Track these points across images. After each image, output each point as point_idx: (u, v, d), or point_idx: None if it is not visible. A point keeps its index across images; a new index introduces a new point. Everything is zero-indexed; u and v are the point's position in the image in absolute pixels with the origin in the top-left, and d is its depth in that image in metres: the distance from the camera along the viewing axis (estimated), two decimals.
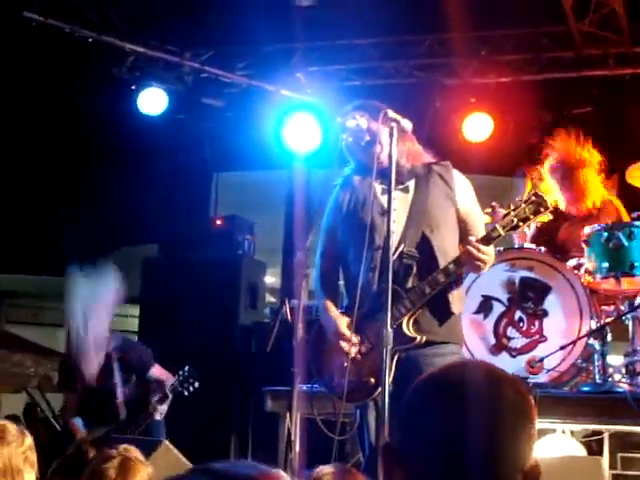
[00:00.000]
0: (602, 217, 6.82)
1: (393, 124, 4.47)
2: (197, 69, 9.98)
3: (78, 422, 7.17)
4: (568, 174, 6.90)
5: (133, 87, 9.90)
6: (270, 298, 12.00)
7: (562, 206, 6.96)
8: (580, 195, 6.87)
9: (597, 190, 6.89)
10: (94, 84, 9.90)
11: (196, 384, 7.26)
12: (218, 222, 9.95)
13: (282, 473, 1.83)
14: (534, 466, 1.82)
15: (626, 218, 6.62)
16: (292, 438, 4.55)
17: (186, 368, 7.28)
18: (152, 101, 9.88)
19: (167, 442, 5.48)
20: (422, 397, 1.88)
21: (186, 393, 7.24)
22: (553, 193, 7.01)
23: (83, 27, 9.10)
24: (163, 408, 7.13)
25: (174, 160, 10.55)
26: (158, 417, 7.10)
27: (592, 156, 6.94)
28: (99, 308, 7.13)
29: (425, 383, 1.92)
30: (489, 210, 6.67)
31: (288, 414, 4.91)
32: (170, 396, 7.17)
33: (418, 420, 1.85)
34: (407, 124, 4.58)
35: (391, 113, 4.51)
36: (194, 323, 8.93)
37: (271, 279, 12.02)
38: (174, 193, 10.87)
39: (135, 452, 4.00)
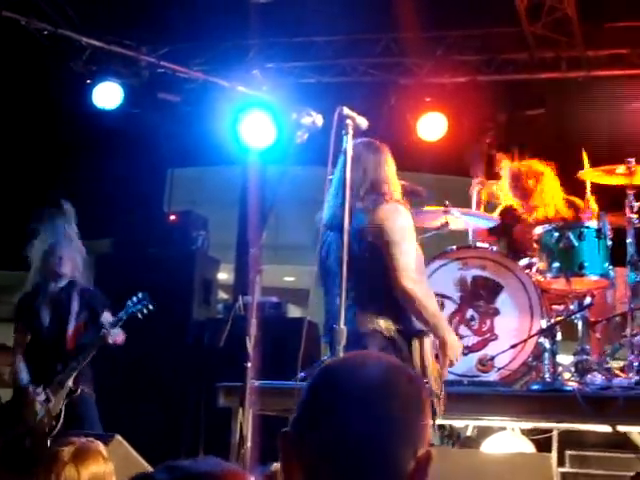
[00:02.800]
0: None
1: (348, 121, 4.50)
2: (153, 64, 9.93)
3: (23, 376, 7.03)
4: (522, 189, 7.09)
5: (89, 81, 9.85)
6: (223, 294, 12.00)
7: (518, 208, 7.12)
8: (535, 206, 7.07)
9: (554, 198, 7.06)
10: (48, 77, 9.84)
11: (150, 307, 7.14)
12: (172, 217, 9.92)
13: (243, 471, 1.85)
14: (426, 453, 1.85)
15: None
16: (244, 433, 4.56)
17: (140, 293, 7.20)
18: (107, 95, 9.83)
19: (119, 437, 5.47)
20: (316, 389, 1.90)
21: (140, 315, 7.12)
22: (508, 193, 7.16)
23: (39, 20, 9.04)
24: (115, 331, 6.99)
25: (128, 155, 10.50)
26: (110, 341, 6.94)
27: (543, 166, 7.11)
28: (68, 243, 7.21)
29: (320, 375, 1.95)
30: (442, 208, 6.73)
31: (240, 409, 4.92)
32: (123, 318, 7.05)
33: (312, 412, 1.88)
34: (362, 122, 4.61)
35: (346, 110, 4.53)
36: (147, 318, 8.89)
37: (225, 275, 12.02)
38: (128, 188, 10.81)
39: (99, 446, 3.99)
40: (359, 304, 4.62)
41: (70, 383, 6.82)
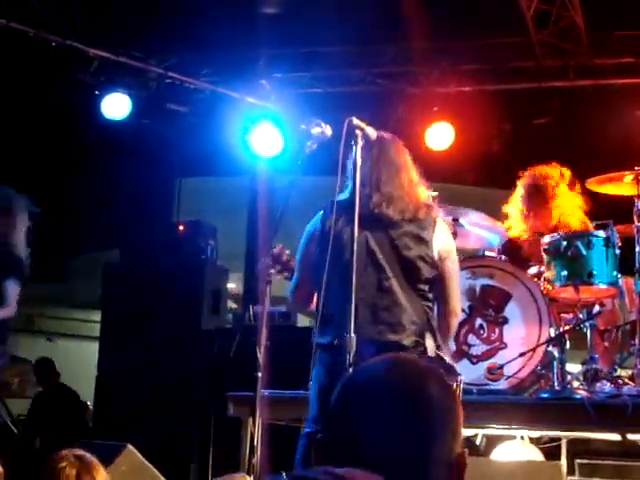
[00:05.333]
0: None
1: (358, 132, 4.52)
2: (162, 75, 9.98)
3: None
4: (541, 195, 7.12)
5: (97, 92, 9.89)
6: (232, 304, 12.02)
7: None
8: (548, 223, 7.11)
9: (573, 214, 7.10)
10: (57, 89, 9.88)
11: None
12: (181, 227, 9.94)
13: None
14: (460, 456, 1.87)
15: None
16: (254, 444, 4.57)
17: None
18: (116, 106, 9.87)
19: (131, 446, 5.49)
20: (351, 394, 1.91)
21: None
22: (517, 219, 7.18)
23: (47, 32, 9.09)
24: None
25: (137, 165, 10.54)
26: None
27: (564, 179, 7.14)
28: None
29: (354, 380, 1.96)
30: (450, 219, 6.75)
31: (251, 419, 4.93)
32: None
33: (348, 417, 1.87)
34: (371, 132, 4.63)
35: (355, 121, 4.55)
36: (156, 329, 8.92)
37: (233, 285, 12.04)
38: (137, 198, 10.86)
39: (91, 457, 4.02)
40: None
41: None
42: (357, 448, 1.82)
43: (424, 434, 1.83)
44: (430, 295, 4.79)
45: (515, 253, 7.18)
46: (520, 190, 7.29)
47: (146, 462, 5.47)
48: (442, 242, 4.84)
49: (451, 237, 5.02)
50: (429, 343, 4.69)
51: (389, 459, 1.79)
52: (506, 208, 7.29)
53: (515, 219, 7.25)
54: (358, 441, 1.83)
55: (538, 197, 7.21)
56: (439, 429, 1.85)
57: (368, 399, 1.86)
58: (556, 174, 7.22)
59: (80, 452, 3.98)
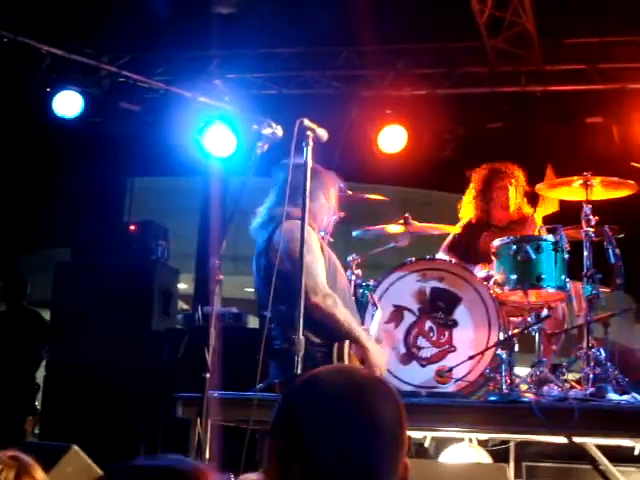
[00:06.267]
0: (519, 230, 7.03)
1: (309, 133, 4.53)
2: (115, 73, 9.92)
3: None
4: (496, 181, 7.19)
5: (49, 89, 9.80)
6: (183, 305, 11.97)
7: (483, 216, 7.19)
8: (506, 203, 7.17)
9: (520, 201, 7.19)
10: (8, 85, 9.78)
11: None
12: (132, 227, 9.88)
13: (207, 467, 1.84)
14: (406, 465, 1.90)
15: None
16: (202, 445, 4.55)
17: None
18: (67, 104, 9.79)
19: (76, 447, 5.44)
20: (294, 403, 1.92)
21: None
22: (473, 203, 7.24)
23: None
24: None
25: (89, 164, 10.47)
26: None
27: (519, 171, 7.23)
28: None
29: (298, 389, 1.97)
30: (401, 221, 6.79)
31: (198, 420, 4.91)
32: None
33: (291, 425, 1.88)
34: (323, 133, 4.64)
35: (306, 122, 4.56)
36: (106, 328, 8.85)
37: (184, 285, 11.99)
38: (88, 197, 10.78)
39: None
40: None
41: None
42: (306, 456, 1.84)
43: (375, 446, 1.85)
44: None
45: (466, 247, 7.25)
46: (478, 176, 7.39)
47: (92, 463, 5.43)
48: None
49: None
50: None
51: (340, 471, 1.81)
52: (463, 200, 7.38)
53: (469, 207, 7.33)
54: (308, 449, 1.84)
55: (497, 181, 7.30)
56: (390, 441, 1.87)
57: (318, 410, 1.87)
58: (518, 172, 7.32)
59: (14, 453, 3.91)
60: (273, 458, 1.88)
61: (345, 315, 4.98)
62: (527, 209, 7.33)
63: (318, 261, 4.79)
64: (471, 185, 7.50)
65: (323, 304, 4.89)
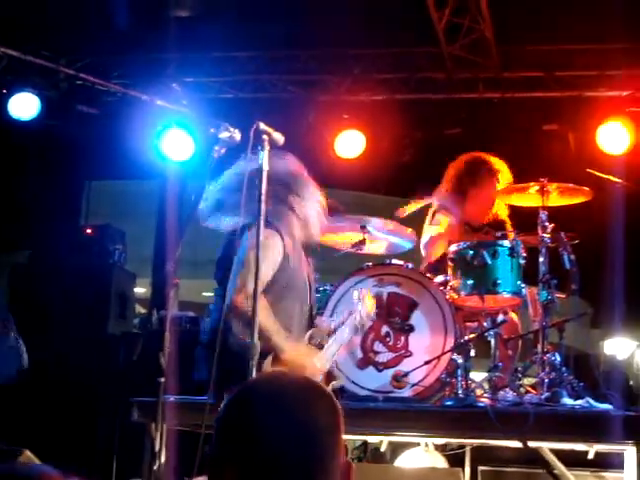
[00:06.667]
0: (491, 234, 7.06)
1: (265, 137, 4.53)
2: (72, 76, 9.86)
3: None
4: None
5: (5, 91, 9.72)
6: (141, 309, 11.91)
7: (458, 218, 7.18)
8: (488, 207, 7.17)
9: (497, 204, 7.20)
10: None
11: None
12: (89, 231, 9.83)
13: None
14: (346, 464, 1.96)
15: None
16: (156, 449, 4.53)
17: None
18: (24, 106, 9.71)
19: (28, 452, 5.40)
20: (241, 407, 1.96)
21: None
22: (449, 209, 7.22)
23: None
24: None
25: (46, 167, 10.39)
26: None
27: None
28: None
29: (238, 393, 2.01)
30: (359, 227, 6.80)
31: (153, 425, 4.89)
32: None
33: (231, 429, 1.93)
34: (279, 137, 4.64)
35: (262, 126, 4.56)
36: (62, 332, 8.80)
37: (141, 289, 11.93)
38: (45, 200, 10.70)
39: None
40: None
41: None
42: (242, 456, 1.88)
43: (308, 448, 1.89)
44: None
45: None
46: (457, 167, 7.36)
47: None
48: None
49: None
50: None
51: (273, 473, 1.85)
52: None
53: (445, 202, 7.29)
54: (242, 453, 1.88)
55: (479, 176, 7.28)
56: (325, 441, 1.91)
57: (254, 414, 1.92)
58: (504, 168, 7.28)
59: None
60: (213, 461, 1.93)
61: (265, 322, 4.83)
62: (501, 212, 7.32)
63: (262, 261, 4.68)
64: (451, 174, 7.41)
65: (242, 304, 4.80)
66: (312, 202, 5.35)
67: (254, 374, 4.20)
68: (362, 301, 5.67)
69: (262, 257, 4.55)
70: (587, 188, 6.41)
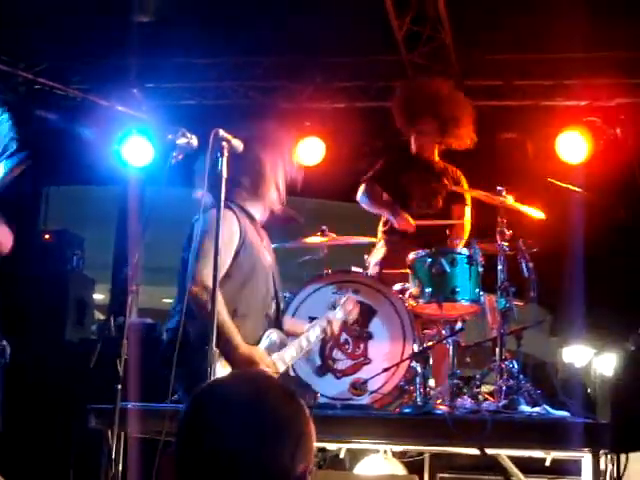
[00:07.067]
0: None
1: (224, 144, 4.53)
2: (31, 80, 9.79)
3: None
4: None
5: None
6: (100, 315, 11.85)
7: None
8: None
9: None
10: None
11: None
12: (47, 236, 9.77)
13: None
14: (303, 473, 1.92)
15: None
16: (113, 456, 4.51)
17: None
18: None
19: None
20: (193, 407, 1.98)
21: None
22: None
23: None
24: None
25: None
26: None
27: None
28: None
29: (198, 395, 2.01)
30: (319, 233, 6.81)
31: (110, 432, 4.86)
32: None
33: (189, 430, 1.94)
34: (238, 144, 4.63)
35: (221, 132, 4.55)
36: (18, 338, 8.71)
37: (100, 295, 11.87)
38: (3, 205, 10.60)
39: None
40: None
41: None
42: (198, 457, 1.88)
43: (262, 446, 1.88)
44: None
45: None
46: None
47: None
48: None
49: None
50: None
51: (227, 467, 1.85)
52: None
53: None
54: (200, 449, 1.88)
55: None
56: (278, 442, 1.89)
57: (216, 411, 1.92)
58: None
59: None
60: (177, 462, 1.93)
61: (221, 315, 4.77)
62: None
63: (221, 249, 4.52)
64: None
65: (199, 295, 4.78)
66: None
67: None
68: (342, 307, 5.70)
69: (218, 243, 4.46)
70: (540, 212, 6.51)
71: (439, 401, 6.08)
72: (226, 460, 1.84)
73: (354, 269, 6.71)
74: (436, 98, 7.66)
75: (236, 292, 5.06)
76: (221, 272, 4.68)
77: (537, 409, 5.87)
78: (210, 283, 4.42)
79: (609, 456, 5.49)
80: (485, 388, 6.54)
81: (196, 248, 4.88)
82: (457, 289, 6.19)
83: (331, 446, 6.68)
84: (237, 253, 5.11)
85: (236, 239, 5.11)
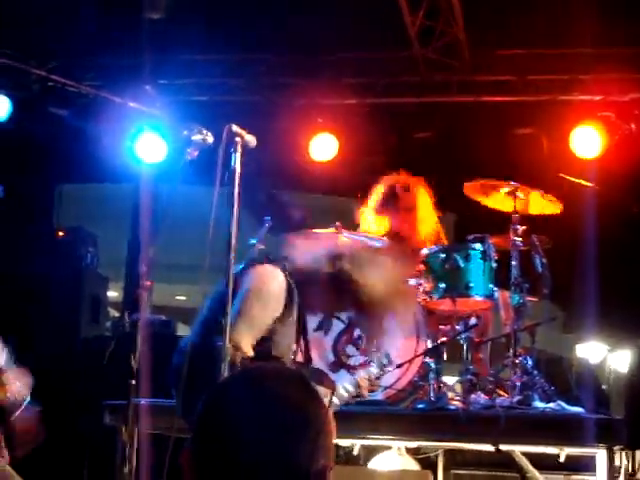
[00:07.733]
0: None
1: (237, 139, 4.51)
2: (44, 77, 9.80)
3: None
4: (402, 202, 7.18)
5: None
6: (114, 312, 11.87)
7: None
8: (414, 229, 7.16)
9: (429, 222, 7.18)
10: None
11: None
12: (60, 234, 9.78)
13: None
14: (324, 468, 1.90)
15: None
16: (127, 452, 4.51)
17: None
18: None
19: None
20: (213, 403, 1.96)
21: None
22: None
23: None
24: None
25: (17, 169, 10.32)
26: None
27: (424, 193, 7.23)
28: None
29: (217, 390, 2.00)
30: (333, 229, 6.80)
31: (124, 428, 4.87)
32: None
33: (209, 427, 1.92)
34: (251, 139, 4.62)
35: (235, 128, 4.54)
36: (34, 336, 8.74)
37: (114, 293, 11.89)
38: (16, 203, 10.63)
39: None
40: None
41: None
42: (218, 454, 1.86)
43: (282, 440, 1.86)
44: None
45: None
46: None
47: (15, 475, 5.34)
48: None
49: None
50: None
51: (248, 463, 1.83)
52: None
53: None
54: (220, 445, 1.86)
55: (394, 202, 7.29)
56: (298, 436, 1.87)
57: (234, 406, 1.90)
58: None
59: None
60: (193, 461, 1.91)
61: None
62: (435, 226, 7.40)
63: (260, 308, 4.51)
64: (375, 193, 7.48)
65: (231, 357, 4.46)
66: None
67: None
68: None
69: (261, 304, 4.47)
70: (559, 203, 6.47)
71: (452, 396, 6.08)
72: (245, 456, 1.82)
73: None
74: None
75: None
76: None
77: (551, 405, 5.86)
78: (244, 346, 4.44)
79: (624, 452, 5.47)
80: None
81: (237, 307, 4.56)
82: (471, 285, 6.19)
83: (344, 442, 6.68)
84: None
85: (282, 301, 4.79)
